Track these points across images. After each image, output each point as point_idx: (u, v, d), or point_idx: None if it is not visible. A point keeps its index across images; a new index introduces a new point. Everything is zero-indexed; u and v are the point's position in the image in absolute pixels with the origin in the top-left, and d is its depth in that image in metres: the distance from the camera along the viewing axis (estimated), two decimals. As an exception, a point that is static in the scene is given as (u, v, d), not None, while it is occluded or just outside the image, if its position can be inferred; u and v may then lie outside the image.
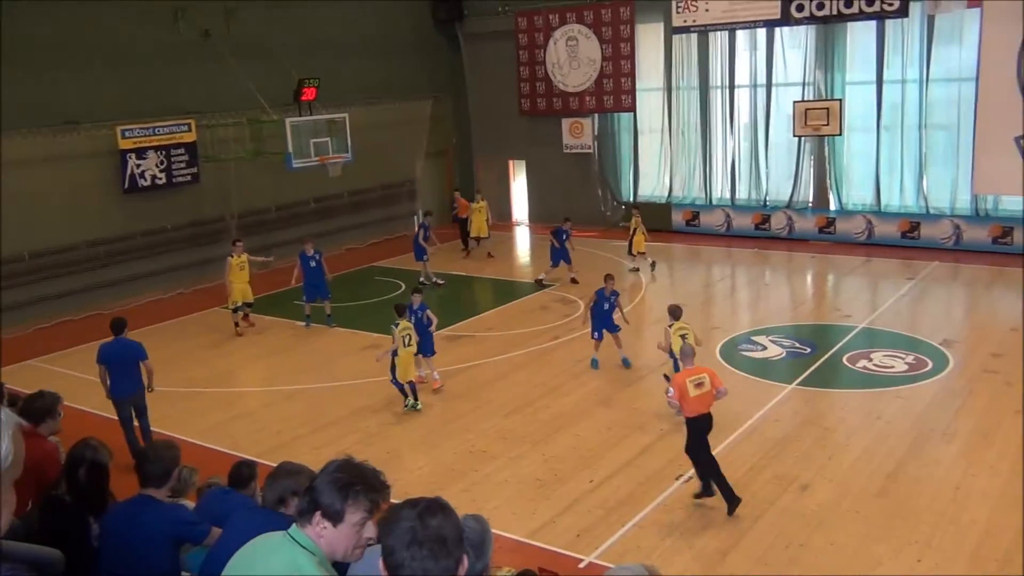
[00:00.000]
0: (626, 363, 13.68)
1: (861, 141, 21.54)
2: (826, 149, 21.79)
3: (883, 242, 20.94)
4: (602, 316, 13.65)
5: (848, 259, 20.21)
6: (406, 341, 12.27)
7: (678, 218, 23.75)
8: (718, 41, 22.76)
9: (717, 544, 8.55)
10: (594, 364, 13.73)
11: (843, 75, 21.38)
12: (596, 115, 24.67)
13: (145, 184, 19.12)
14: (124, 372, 10.64)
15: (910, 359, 13.45)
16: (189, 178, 19.91)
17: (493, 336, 15.73)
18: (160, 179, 19.36)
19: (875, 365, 13.34)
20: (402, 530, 2.23)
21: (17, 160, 16.90)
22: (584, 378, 13.39)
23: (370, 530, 2.83)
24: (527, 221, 26.54)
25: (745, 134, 23.04)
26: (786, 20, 20.98)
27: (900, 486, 9.55)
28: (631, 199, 24.45)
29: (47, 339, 16.43)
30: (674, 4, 22.22)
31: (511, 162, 26.96)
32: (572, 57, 24.35)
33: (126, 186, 18.84)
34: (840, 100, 21.03)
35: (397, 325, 12.36)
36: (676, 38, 23.03)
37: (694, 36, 22.79)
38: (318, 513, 2.78)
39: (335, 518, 2.78)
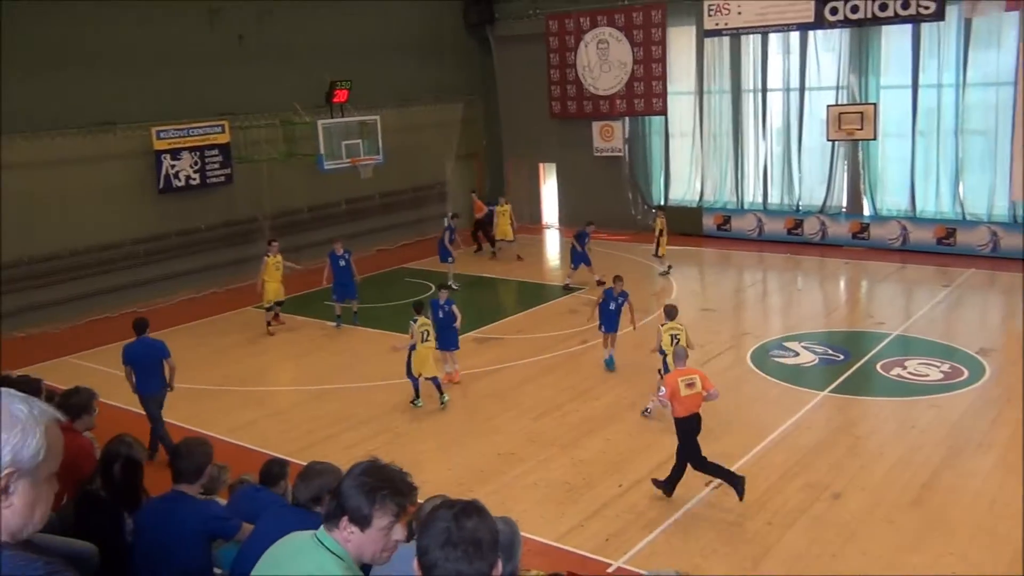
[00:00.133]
0: (609, 364, 13.68)
1: (896, 146, 21.27)
2: (860, 154, 21.54)
3: (918, 248, 20.65)
4: (607, 314, 13.77)
5: (882, 265, 19.97)
6: (424, 336, 12.43)
7: (709, 222, 23.60)
8: (750, 44, 22.60)
9: (747, 551, 8.47)
10: (609, 364, 13.71)
11: (878, 79, 21.13)
12: (627, 118, 24.59)
13: (179, 184, 19.35)
14: (149, 371, 10.79)
15: (945, 367, 13.25)
16: (223, 179, 20.12)
17: (522, 339, 15.71)
18: (194, 180, 19.58)
19: (909, 373, 13.15)
20: (437, 530, 2.23)
21: (54, 160, 17.20)
22: (613, 382, 13.33)
23: (398, 532, 2.81)
24: (557, 224, 26.50)
25: (778, 138, 22.85)
26: (820, 23, 20.78)
27: (935, 496, 9.40)
28: (662, 203, 24.33)
29: (83, 336, 16.66)
30: (706, 7, 22.09)
31: (541, 165, 26.94)
32: (603, 60, 24.29)
33: (161, 186, 19.07)
34: (875, 104, 20.79)
35: (415, 321, 12.53)
36: (708, 41, 22.90)
37: (726, 39, 22.64)
38: (345, 518, 2.76)
39: (363, 523, 2.75)
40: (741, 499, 9.13)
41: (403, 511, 2.82)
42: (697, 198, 24.14)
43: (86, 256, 18.02)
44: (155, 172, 18.93)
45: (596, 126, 24.86)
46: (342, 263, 16.74)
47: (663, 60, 23.43)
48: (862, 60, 21.12)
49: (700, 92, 23.52)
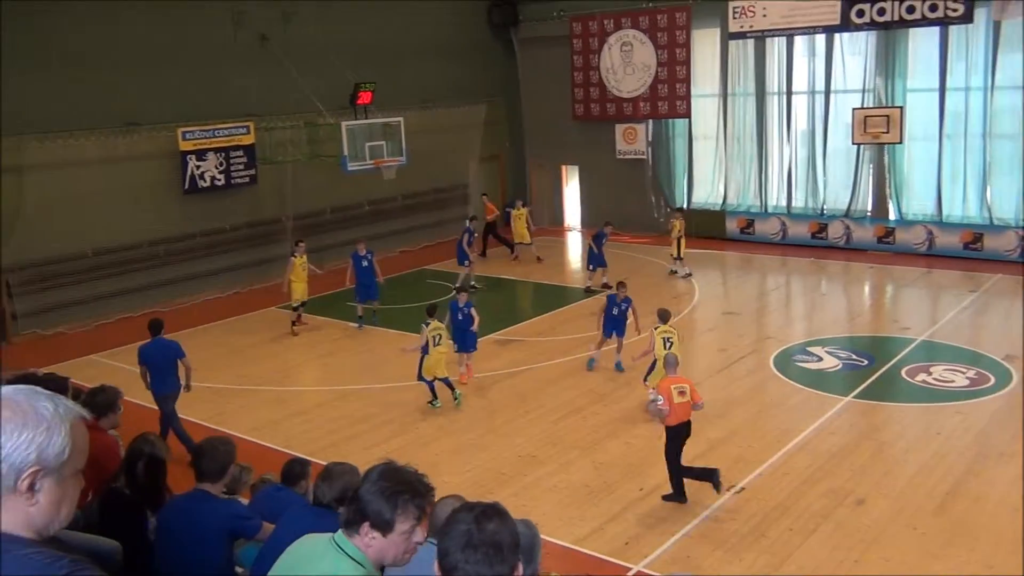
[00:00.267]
0: (619, 367, 13.74)
1: (922, 149, 21.06)
2: (886, 157, 21.35)
3: (944, 253, 20.43)
4: (612, 320, 13.86)
5: (907, 270, 19.77)
6: (436, 340, 12.48)
7: (732, 226, 23.48)
8: (775, 47, 22.47)
9: (768, 558, 8.42)
10: (617, 367, 13.87)
11: (904, 82, 20.93)
12: (650, 121, 24.52)
13: (204, 185, 19.51)
14: (163, 371, 10.90)
15: (971, 374, 13.10)
16: (247, 179, 20.27)
17: (543, 341, 15.71)
18: (219, 180, 19.74)
19: (935, 379, 13.02)
20: (458, 532, 2.23)
21: (81, 160, 17.41)
22: (634, 385, 13.28)
23: (419, 535, 2.81)
24: (579, 227, 26.47)
25: (802, 141, 22.70)
26: (846, 26, 20.63)
27: (959, 504, 9.30)
28: (685, 206, 24.24)
29: (108, 335, 16.83)
30: (731, 9, 22.00)
31: (564, 167, 26.93)
32: (627, 63, 24.24)
33: (186, 187, 19.24)
34: (901, 108, 20.60)
35: (427, 324, 12.58)
36: (732, 43, 22.78)
37: (751, 42, 22.52)
38: (366, 524, 2.75)
39: (385, 528, 2.74)
40: (718, 491, 9.35)
41: (424, 513, 2.83)
42: (720, 201, 24.02)
43: (112, 256, 18.21)
44: (180, 173, 19.10)
45: (619, 128, 24.81)
46: (364, 263, 16.81)
47: (687, 62, 23.34)
48: (888, 63, 20.93)
49: (724, 95, 23.41)
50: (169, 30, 18.68)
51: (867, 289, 19.61)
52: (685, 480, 9.50)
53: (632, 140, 24.75)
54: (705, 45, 23.66)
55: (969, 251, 20.16)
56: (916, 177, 21.44)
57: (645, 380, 12.51)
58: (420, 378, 12.65)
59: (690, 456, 10.62)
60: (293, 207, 20.98)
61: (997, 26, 19.25)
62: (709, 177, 24.34)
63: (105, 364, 14.91)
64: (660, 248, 22.25)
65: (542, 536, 3.61)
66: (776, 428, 11.50)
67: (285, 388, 14.02)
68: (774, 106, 22.84)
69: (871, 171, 21.75)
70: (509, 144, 27.39)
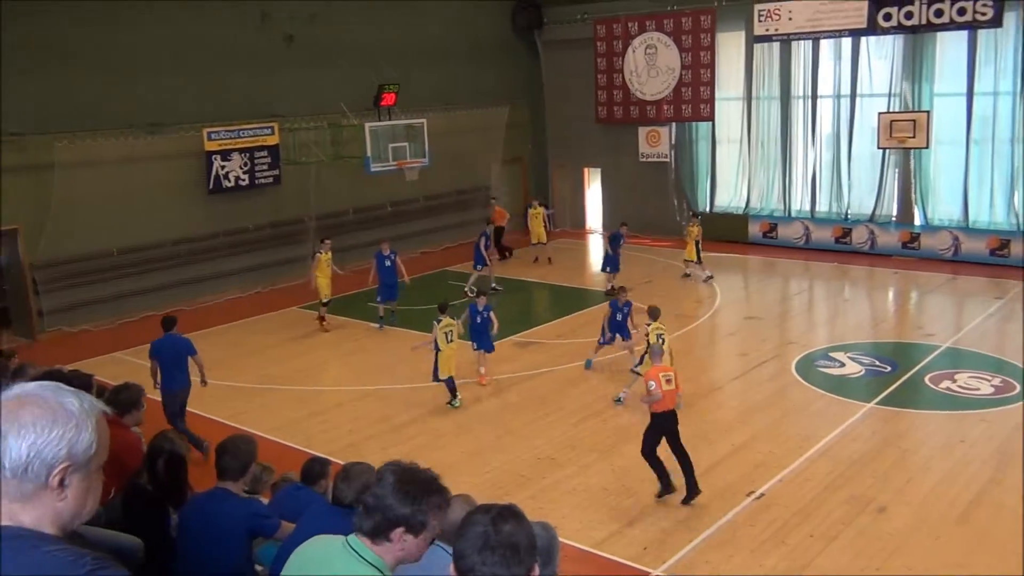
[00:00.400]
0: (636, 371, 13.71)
1: (949, 154, 20.85)
2: (912, 162, 21.15)
3: (970, 259, 20.22)
4: (616, 325, 14.02)
5: (932, 276, 19.58)
6: (448, 337, 12.57)
7: (755, 229, 23.35)
8: (801, 50, 22.33)
9: (788, 564, 8.36)
10: (588, 364, 14.16)
11: (931, 86, 20.73)
12: (674, 124, 24.44)
13: (229, 185, 19.66)
14: (174, 367, 11.00)
15: (996, 381, 12.95)
16: (271, 180, 20.40)
17: (563, 343, 15.69)
18: (243, 180, 19.89)
19: (959, 386, 12.88)
20: (474, 534, 2.23)
21: (108, 160, 17.60)
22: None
23: (436, 530, 2.86)
24: (601, 229, 26.42)
25: (827, 145, 22.54)
26: (873, 29, 20.47)
27: (983, 513, 9.19)
28: (707, 209, 24.15)
29: (132, 333, 16.97)
30: (756, 12, 21.89)
31: (586, 170, 26.91)
32: (650, 65, 24.18)
33: (211, 187, 19.39)
34: (928, 112, 20.41)
35: (439, 322, 12.66)
36: (757, 47, 22.67)
37: (776, 45, 22.40)
38: (399, 529, 2.76)
39: (419, 529, 2.78)
40: (659, 497, 9.59)
41: (445, 508, 2.88)
42: (743, 205, 23.90)
43: (136, 254, 18.40)
44: (205, 173, 19.26)
45: (642, 131, 24.75)
46: (387, 263, 16.92)
47: (711, 65, 23.24)
48: (915, 67, 20.73)
49: (748, 98, 23.29)
50: (197, 31, 18.86)
51: (891, 295, 19.44)
52: (724, 491, 9.44)
53: (655, 143, 24.68)
54: (730, 48, 23.55)
55: (995, 257, 19.93)
56: (942, 182, 21.22)
57: (632, 370, 12.97)
58: (436, 379, 12.69)
59: (712, 460, 10.60)
60: (316, 208, 21.09)
61: (1027, 30, 19.04)
62: (732, 181, 24.22)
63: (129, 362, 15.04)
64: (682, 252, 22.13)
65: (560, 539, 3.60)
66: (797, 434, 11.42)
67: (306, 388, 14.09)
68: (799, 110, 22.70)
69: (896, 176, 21.56)
70: (532, 146, 27.39)
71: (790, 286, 20.36)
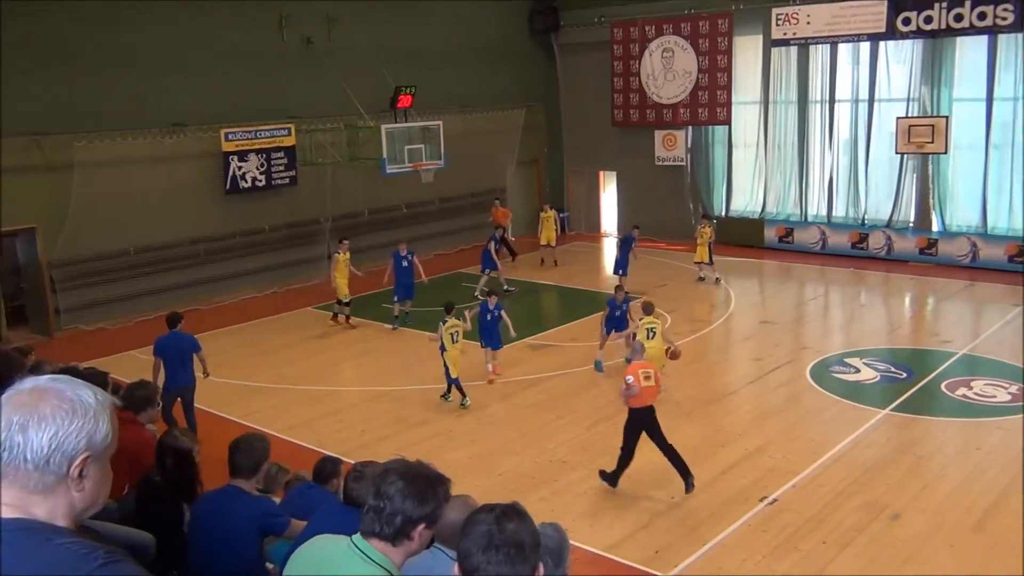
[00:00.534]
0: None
1: (968, 160, 20.69)
2: (930, 167, 21.01)
3: (988, 266, 20.05)
4: (615, 321, 14.26)
5: (950, 282, 19.43)
6: (454, 338, 12.68)
7: (771, 234, 23.26)
8: (818, 54, 22.24)
9: (801, 570, 8.31)
10: (598, 367, 14.19)
11: (950, 91, 20.59)
12: (690, 127, 24.38)
13: (245, 186, 19.76)
14: (178, 364, 11.06)
15: (1013, 389, 12.83)
16: (287, 181, 20.50)
17: (577, 347, 15.67)
18: (260, 181, 19.98)
19: (975, 394, 12.78)
20: (478, 534, 2.23)
21: (126, 160, 17.72)
22: (668, 392, 13.16)
23: None
24: (616, 233, 26.38)
25: (844, 150, 22.43)
26: (891, 34, 20.36)
27: (999, 521, 9.11)
28: (723, 214, 24.08)
29: (148, 331, 16.93)
30: (774, 16, 21.81)
31: (602, 173, 26.89)
32: (667, 69, 24.13)
33: (228, 187, 19.50)
34: (946, 117, 20.27)
35: (445, 322, 12.75)
36: (775, 50, 22.59)
37: (793, 49, 22.32)
38: (421, 526, 2.81)
39: (436, 520, 2.86)
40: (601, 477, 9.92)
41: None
42: (759, 209, 23.81)
43: (153, 254, 18.52)
44: (222, 173, 19.37)
45: (658, 135, 24.71)
46: (405, 263, 17.03)
47: (728, 69, 23.19)
48: (934, 72, 20.60)
49: (765, 102, 23.21)
50: (217, 32, 18.98)
51: (907, 301, 19.31)
52: (736, 495, 9.43)
53: (671, 147, 24.63)
54: (747, 52, 23.48)
55: (1014, 264, 19.75)
56: (960, 188, 21.06)
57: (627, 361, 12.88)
58: (448, 378, 12.81)
59: (725, 465, 10.57)
60: (331, 209, 21.16)
61: (1048, 34, 18.88)
62: (748, 185, 24.14)
63: (145, 360, 15.00)
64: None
65: (571, 542, 3.60)
66: (811, 440, 11.36)
67: (320, 388, 14.14)
68: (816, 114, 22.60)
69: (914, 181, 21.43)
70: (547, 149, 27.40)
71: (806, 291, 20.26)
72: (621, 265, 18.93)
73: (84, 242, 17.28)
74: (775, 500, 9.55)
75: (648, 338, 12.51)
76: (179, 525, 5.20)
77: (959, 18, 19.22)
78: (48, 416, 1.91)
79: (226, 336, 16.92)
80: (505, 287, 19.28)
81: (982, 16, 18.92)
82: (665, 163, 24.81)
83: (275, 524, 5.03)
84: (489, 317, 13.67)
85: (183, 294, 18.61)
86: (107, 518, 4.52)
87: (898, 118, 20.76)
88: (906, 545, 8.67)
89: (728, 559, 8.58)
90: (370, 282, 18.45)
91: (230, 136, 19.27)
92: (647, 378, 9.77)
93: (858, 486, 9.97)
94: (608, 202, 27.00)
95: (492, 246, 19.60)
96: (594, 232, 26.68)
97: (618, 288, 14.80)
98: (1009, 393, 12.70)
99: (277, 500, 6.36)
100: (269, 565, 5.15)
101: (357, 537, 2.86)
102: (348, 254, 17.23)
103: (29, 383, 1.99)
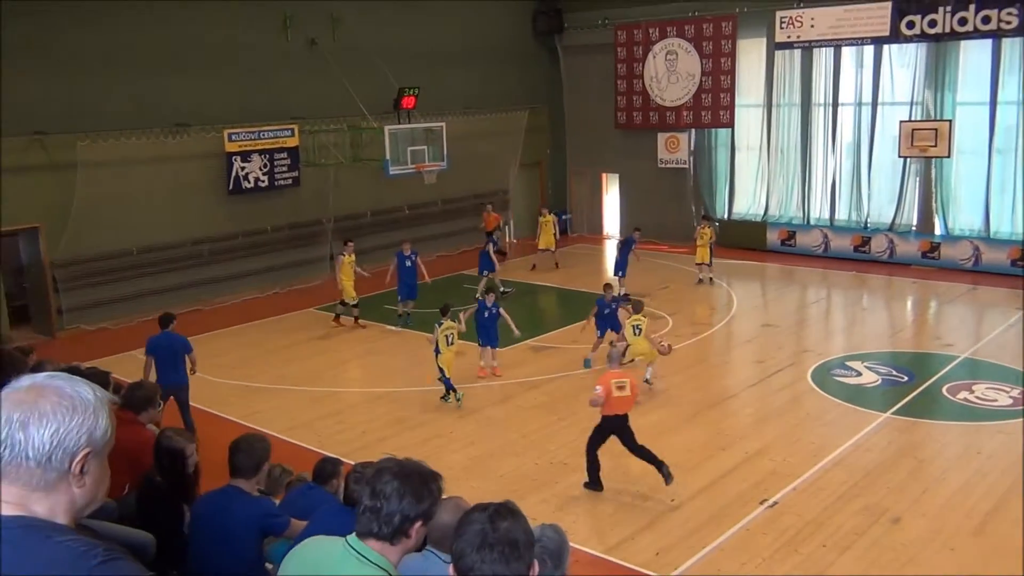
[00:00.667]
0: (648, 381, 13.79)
1: (971, 164, 20.68)
2: (933, 171, 21.00)
3: (991, 269, 20.03)
4: (605, 319, 14.38)
5: (952, 286, 19.41)
6: (449, 340, 12.73)
7: (773, 237, 23.25)
8: (822, 57, 22.24)
9: (801, 573, 8.30)
10: (587, 364, 14.25)
11: (954, 95, 20.58)
12: (693, 130, 24.39)
13: (248, 186, 19.79)
14: (169, 364, 11.10)
15: (1015, 393, 12.81)
16: (290, 181, 20.52)
17: (578, 348, 15.64)
18: (263, 182, 20.01)
19: (977, 397, 12.76)
20: (472, 533, 2.23)
21: (129, 160, 17.76)
22: (669, 395, 13.22)
23: None
24: (618, 235, 26.37)
25: (847, 153, 22.42)
26: (895, 37, 20.35)
27: (1000, 525, 9.10)
28: (726, 216, 24.07)
29: (150, 332, 16.93)
30: (778, 19, 21.81)
31: (604, 175, 26.89)
32: (671, 71, 24.14)
33: (230, 187, 19.53)
34: (950, 121, 20.26)
35: (440, 324, 12.79)
36: (778, 54, 22.59)
37: (797, 52, 22.32)
38: (418, 523, 2.82)
39: (432, 515, 2.89)
40: (593, 488, 9.92)
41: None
42: (762, 212, 23.81)
43: (156, 254, 18.55)
44: (225, 173, 19.39)
45: (661, 137, 24.71)
46: (408, 263, 17.07)
47: (732, 72, 23.19)
48: (938, 75, 20.58)
49: (769, 105, 23.22)
50: (221, 33, 19.01)
51: (909, 304, 19.30)
52: (736, 497, 9.44)
53: (674, 149, 24.64)
54: (751, 55, 23.48)
55: (1017, 268, 19.73)
56: (963, 192, 21.05)
57: (644, 380, 13.23)
58: (442, 379, 12.88)
59: (726, 467, 10.56)
60: (334, 210, 21.18)
61: (1052, 39, 18.87)
62: (751, 188, 24.15)
63: (144, 360, 15.12)
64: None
65: (572, 544, 3.61)
66: (812, 443, 11.35)
67: (320, 388, 14.15)
68: (819, 117, 22.60)
69: (917, 185, 21.41)
70: (550, 151, 27.41)
71: (808, 294, 20.25)
72: (620, 267, 19.00)
73: (87, 242, 17.31)
74: (775, 503, 9.55)
75: (634, 335, 13.02)
76: (179, 525, 5.20)
77: (963, 22, 19.21)
78: (49, 413, 1.92)
79: (228, 337, 16.95)
80: (501, 288, 19.29)
81: (986, 20, 18.92)
82: (668, 165, 24.81)
83: (275, 524, 5.03)
84: (487, 315, 13.76)
85: (185, 294, 18.64)
86: (106, 517, 4.53)
87: (901, 122, 20.76)
88: (906, 549, 8.66)
89: (728, 562, 8.58)
90: (371, 284, 18.45)
91: (233, 136, 19.30)
92: (620, 388, 9.79)
93: (859, 489, 9.96)
94: (611, 204, 27.01)
95: (490, 248, 19.67)
96: (596, 234, 26.68)
97: (607, 286, 14.96)
98: (1010, 397, 12.69)
99: (278, 501, 6.37)
100: (269, 565, 5.15)
101: (352, 538, 2.86)
102: (353, 256, 17.26)
103: (27, 380, 1.99)
